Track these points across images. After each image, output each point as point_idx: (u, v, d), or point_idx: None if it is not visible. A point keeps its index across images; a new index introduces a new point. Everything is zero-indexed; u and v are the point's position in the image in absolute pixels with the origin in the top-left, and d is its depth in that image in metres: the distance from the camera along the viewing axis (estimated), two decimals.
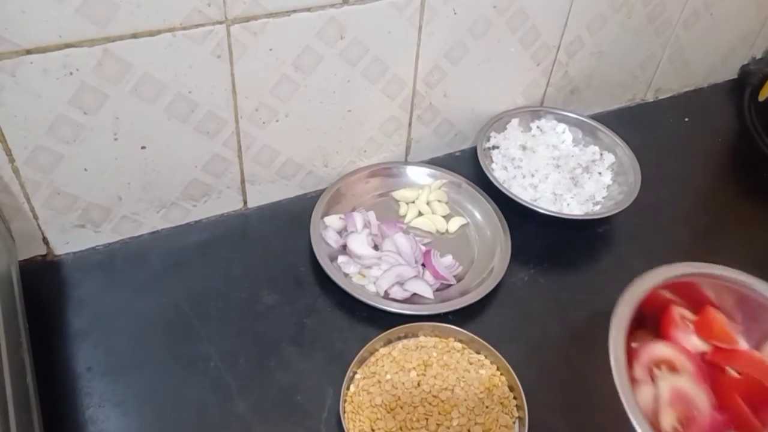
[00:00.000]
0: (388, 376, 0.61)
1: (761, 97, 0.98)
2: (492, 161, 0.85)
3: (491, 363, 0.63)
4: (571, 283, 0.73)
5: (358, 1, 0.65)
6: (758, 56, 1.07)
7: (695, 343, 0.51)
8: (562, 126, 0.90)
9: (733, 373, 0.49)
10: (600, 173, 0.85)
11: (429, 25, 0.71)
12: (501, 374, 0.62)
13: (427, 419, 0.58)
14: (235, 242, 0.74)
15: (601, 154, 0.87)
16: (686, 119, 1.00)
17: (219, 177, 0.72)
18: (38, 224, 0.66)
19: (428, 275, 0.71)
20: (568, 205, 0.80)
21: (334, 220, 0.75)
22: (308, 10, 0.63)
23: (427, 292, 0.69)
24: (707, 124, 1.00)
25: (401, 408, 0.59)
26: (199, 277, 0.70)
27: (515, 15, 0.77)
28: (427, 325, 0.64)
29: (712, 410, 0.46)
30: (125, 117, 0.62)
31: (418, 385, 0.60)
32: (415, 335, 0.65)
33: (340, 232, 0.74)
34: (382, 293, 0.68)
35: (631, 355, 0.48)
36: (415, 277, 0.69)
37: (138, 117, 0.62)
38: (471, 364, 0.63)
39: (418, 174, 0.82)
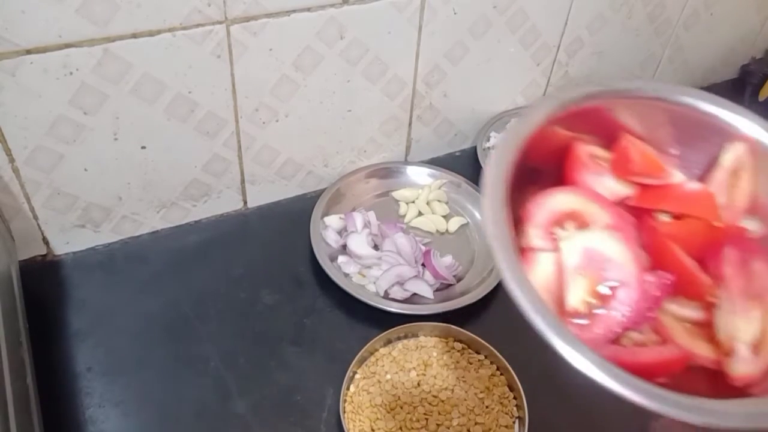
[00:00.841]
0: (388, 376, 0.61)
1: (761, 97, 0.98)
2: None
3: (491, 363, 0.63)
4: None
5: (358, 1, 0.65)
6: (758, 56, 1.07)
7: (612, 186, 0.35)
8: None
9: (667, 219, 0.35)
10: None
11: (429, 25, 0.71)
12: (501, 374, 0.62)
13: (427, 419, 0.58)
14: (235, 242, 0.74)
15: None
16: None
17: (219, 177, 0.72)
18: (38, 224, 0.66)
19: (428, 275, 0.71)
20: None
21: (334, 220, 0.75)
22: (308, 10, 0.63)
23: (427, 292, 0.69)
24: None
25: (401, 408, 0.59)
26: (199, 277, 0.70)
27: (515, 15, 0.77)
28: (427, 325, 0.64)
29: (640, 272, 0.31)
30: (125, 117, 0.62)
31: (418, 385, 0.60)
32: (415, 335, 0.65)
33: (340, 232, 0.74)
34: (382, 293, 0.68)
35: (523, 219, 0.34)
36: (415, 277, 0.69)
37: (138, 117, 0.62)
38: (471, 364, 0.63)
39: (418, 174, 0.82)
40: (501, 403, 0.60)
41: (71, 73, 0.56)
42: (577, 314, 0.30)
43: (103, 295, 0.67)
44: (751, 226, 0.34)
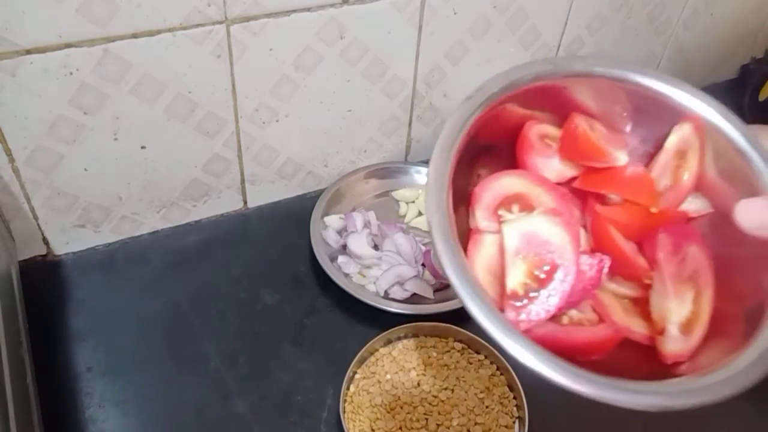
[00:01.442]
0: (388, 376, 0.61)
1: (761, 97, 0.97)
2: None
3: (491, 363, 0.63)
4: None
5: (358, 1, 0.65)
6: (758, 56, 1.07)
7: (559, 168, 0.35)
8: None
9: (617, 199, 0.35)
10: None
11: (429, 25, 0.71)
12: (501, 374, 0.62)
13: (427, 419, 0.58)
14: (235, 242, 0.74)
15: None
16: None
17: (219, 177, 0.72)
18: (38, 224, 0.66)
19: (428, 275, 0.71)
20: None
21: (334, 220, 0.75)
22: (308, 10, 0.63)
23: (427, 292, 0.69)
24: None
25: (401, 408, 0.59)
26: (199, 277, 0.70)
27: (515, 15, 0.77)
28: (427, 325, 0.64)
29: (577, 255, 0.31)
30: (125, 117, 0.62)
31: (418, 385, 0.60)
32: (415, 335, 0.65)
33: (340, 232, 0.74)
34: (382, 293, 0.68)
35: (470, 200, 0.34)
36: (415, 276, 0.69)
37: (138, 117, 0.62)
38: (471, 364, 0.63)
39: (418, 174, 0.82)
40: (501, 403, 0.60)
41: (71, 73, 0.56)
42: (516, 296, 0.31)
43: (103, 295, 0.67)
44: (696, 206, 0.34)
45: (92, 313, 0.65)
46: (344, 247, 0.72)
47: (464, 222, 0.33)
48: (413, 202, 0.80)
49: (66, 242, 0.69)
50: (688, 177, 0.34)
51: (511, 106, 0.34)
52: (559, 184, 0.35)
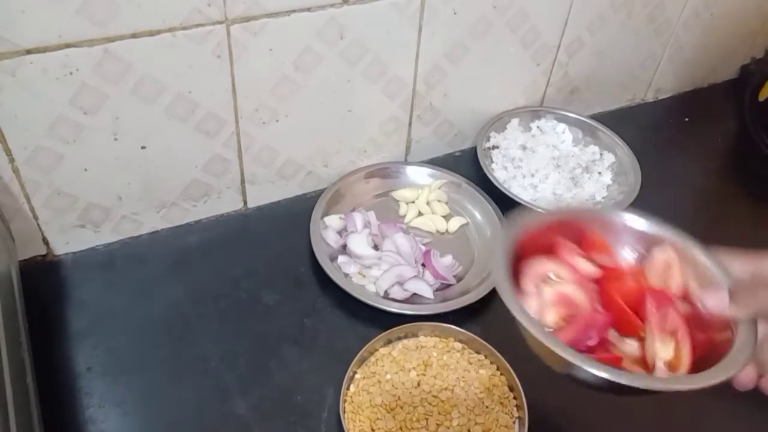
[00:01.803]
0: (388, 376, 0.61)
1: (761, 97, 0.97)
2: (492, 161, 0.85)
3: (491, 363, 0.63)
4: None
5: (358, 1, 0.65)
6: (758, 56, 1.07)
7: (586, 267, 0.52)
8: (562, 126, 0.90)
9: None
10: (600, 173, 0.85)
11: (429, 25, 0.71)
12: (501, 374, 0.62)
13: (427, 419, 0.58)
14: (235, 242, 0.74)
15: (601, 154, 0.87)
16: (686, 119, 1.00)
17: (219, 177, 0.72)
18: (38, 224, 0.66)
19: (428, 275, 0.71)
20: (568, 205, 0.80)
21: (334, 220, 0.75)
22: (308, 10, 0.63)
23: (427, 292, 0.69)
24: (707, 124, 1.00)
25: (401, 408, 0.59)
26: (199, 277, 0.70)
27: (515, 15, 0.77)
28: (427, 325, 0.64)
29: (593, 308, 0.49)
30: (125, 117, 0.62)
31: (418, 385, 0.60)
32: (415, 335, 0.65)
33: (340, 232, 0.74)
34: (382, 293, 0.68)
35: (518, 272, 0.50)
36: (415, 277, 0.69)
37: (138, 117, 0.62)
38: (471, 364, 0.63)
39: (418, 174, 0.82)
40: (501, 403, 0.60)
41: (71, 73, 0.56)
42: (552, 329, 0.49)
43: (103, 295, 0.67)
44: (681, 307, 0.49)
45: (92, 313, 0.65)
46: (344, 247, 0.72)
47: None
48: (413, 202, 0.80)
49: (66, 242, 0.69)
50: (675, 283, 0.50)
51: (542, 231, 0.53)
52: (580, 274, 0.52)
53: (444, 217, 0.79)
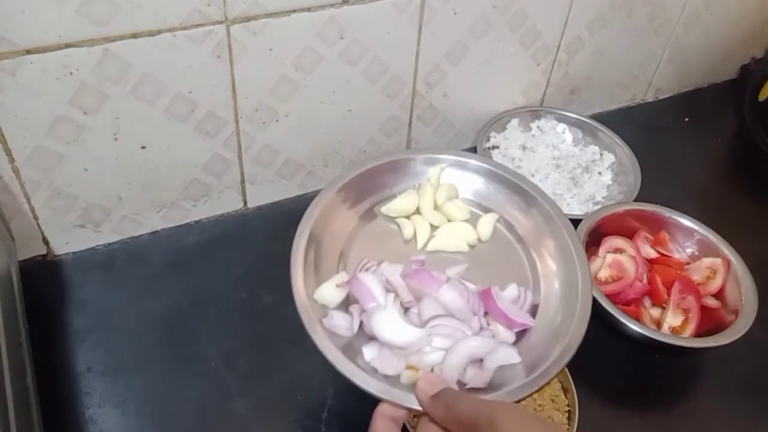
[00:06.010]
0: None
1: (761, 97, 0.97)
2: None
3: None
4: None
5: (358, 1, 0.65)
6: (758, 56, 1.07)
7: (648, 251, 0.73)
8: (562, 126, 0.90)
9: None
10: (600, 173, 0.85)
11: (429, 25, 0.71)
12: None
13: None
14: (235, 242, 0.74)
15: (601, 154, 0.87)
16: (686, 119, 1.00)
17: (219, 177, 0.72)
18: (38, 224, 0.66)
19: (500, 328, 0.50)
20: (568, 205, 0.80)
21: (329, 292, 0.52)
22: (308, 10, 0.63)
23: (513, 357, 0.47)
24: (707, 124, 1.00)
25: None
26: (199, 277, 0.70)
27: (515, 15, 0.77)
28: None
29: (637, 277, 0.68)
30: (125, 117, 0.62)
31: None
32: None
33: (344, 308, 0.51)
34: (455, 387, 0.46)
35: (598, 243, 0.73)
36: (492, 344, 0.48)
37: (138, 117, 0.62)
38: None
39: (408, 166, 0.61)
40: (552, 401, 0.59)
41: (71, 73, 0.56)
42: (602, 281, 0.69)
43: (103, 295, 0.67)
44: (709, 301, 0.69)
45: (92, 313, 0.65)
46: (361, 329, 0.48)
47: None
48: (416, 213, 0.58)
49: (66, 242, 0.69)
50: (713, 285, 0.70)
51: (624, 218, 0.74)
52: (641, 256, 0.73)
53: (467, 221, 0.57)
